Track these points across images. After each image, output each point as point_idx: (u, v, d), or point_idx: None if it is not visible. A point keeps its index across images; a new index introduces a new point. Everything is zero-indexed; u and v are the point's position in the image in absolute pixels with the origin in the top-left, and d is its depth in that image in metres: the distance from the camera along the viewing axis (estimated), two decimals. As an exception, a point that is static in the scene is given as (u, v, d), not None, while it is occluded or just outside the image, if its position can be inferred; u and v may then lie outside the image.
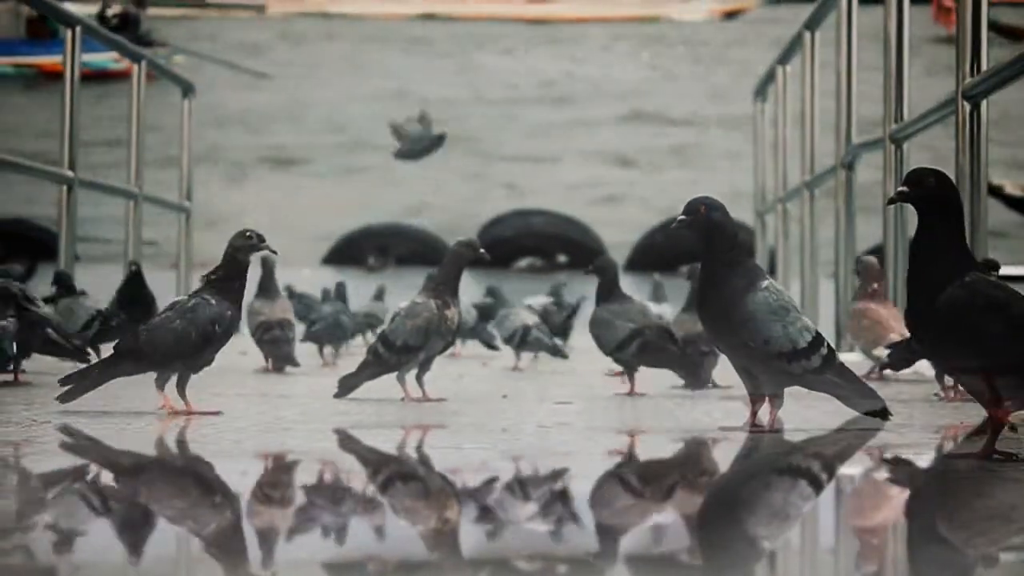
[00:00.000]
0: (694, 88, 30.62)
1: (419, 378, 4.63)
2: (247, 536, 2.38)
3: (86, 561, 2.21)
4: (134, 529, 2.43)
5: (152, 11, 40.63)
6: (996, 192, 20.26)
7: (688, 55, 33.91)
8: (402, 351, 4.58)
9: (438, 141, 13.55)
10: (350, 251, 19.93)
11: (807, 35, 8.02)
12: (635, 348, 4.90)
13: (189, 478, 3.05)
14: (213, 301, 4.04)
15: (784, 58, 8.94)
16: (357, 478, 3.04)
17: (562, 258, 19.75)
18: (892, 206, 5.73)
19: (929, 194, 3.11)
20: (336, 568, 2.15)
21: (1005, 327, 2.99)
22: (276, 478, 3.04)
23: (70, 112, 6.97)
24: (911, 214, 5.91)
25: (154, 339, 4.03)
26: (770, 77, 9.48)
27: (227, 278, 4.10)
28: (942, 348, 3.10)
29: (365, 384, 4.60)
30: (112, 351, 4.15)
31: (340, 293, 7.05)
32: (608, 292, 5.03)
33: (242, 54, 32.51)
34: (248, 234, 4.12)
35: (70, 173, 6.97)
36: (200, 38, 35.13)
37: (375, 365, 4.62)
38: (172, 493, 2.83)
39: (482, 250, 4.68)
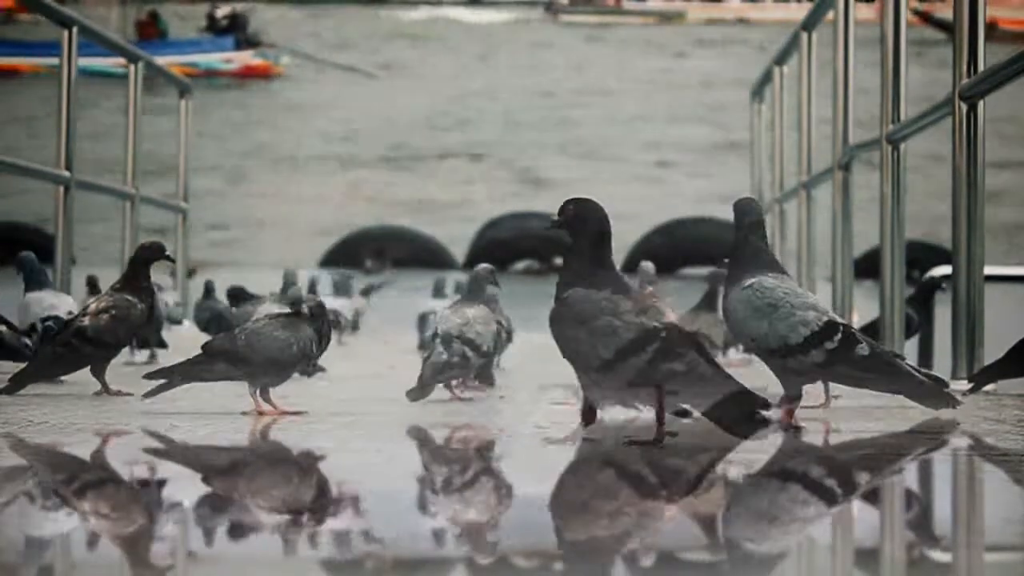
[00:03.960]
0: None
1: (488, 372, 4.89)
2: (246, 537, 2.38)
3: (85, 562, 2.22)
4: (128, 529, 2.43)
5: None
6: None
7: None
8: (485, 353, 4.64)
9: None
10: (348, 253, 19.95)
11: (804, 36, 8.02)
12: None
13: (186, 478, 3.05)
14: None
15: (781, 58, 8.94)
16: (351, 478, 3.04)
17: (559, 261, 19.77)
18: (888, 208, 5.78)
19: (568, 220, 3.33)
20: (331, 566, 2.15)
21: (587, 338, 3.23)
22: (275, 478, 3.04)
23: (67, 113, 6.96)
24: (910, 216, 5.92)
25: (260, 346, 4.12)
26: (767, 78, 9.48)
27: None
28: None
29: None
30: (204, 352, 4.15)
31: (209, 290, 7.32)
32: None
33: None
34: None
35: (66, 174, 6.97)
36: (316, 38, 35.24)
37: (459, 367, 4.57)
38: (165, 492, 2.84)
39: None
